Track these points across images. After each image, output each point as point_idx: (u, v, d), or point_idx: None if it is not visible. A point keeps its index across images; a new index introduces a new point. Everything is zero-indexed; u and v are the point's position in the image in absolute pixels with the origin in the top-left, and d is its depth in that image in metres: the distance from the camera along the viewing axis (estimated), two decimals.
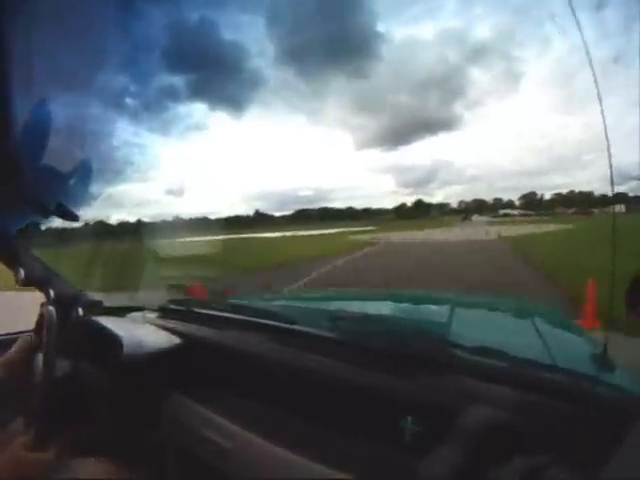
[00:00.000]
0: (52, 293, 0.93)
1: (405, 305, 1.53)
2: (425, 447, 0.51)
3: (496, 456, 0.45)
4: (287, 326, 0.92)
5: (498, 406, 0.55)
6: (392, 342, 0.74)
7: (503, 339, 0.88)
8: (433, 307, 1.45)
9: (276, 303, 1.50)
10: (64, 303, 0.94)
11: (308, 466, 0.65)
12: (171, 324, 1.09)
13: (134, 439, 0.96)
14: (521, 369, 0.63)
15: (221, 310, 1.10)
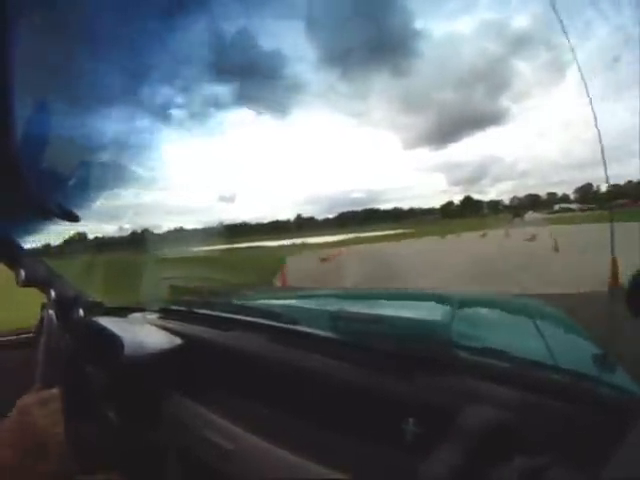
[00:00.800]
0: (53, 294, 0.93)
1: (408, 304, 1.52)
2: (427, 448, 0.51)
3: (498, 456, 0.45)
4: (289, 327, 0.91)
5: (500, 406, 0.54)
6: (395, 342, 0.74)
7: (505, 339, 0.87)
8: (436, 306, 1.44)
9: (277, 303, 1.50)
10: (65, 304, 0.93)
11: (310, 468, 0.64)
12: (172, 325, 1.09)
13: (135, 440, 0.96)
14: (523, 369, 0.63)
15: (222, 311, 1.10)
